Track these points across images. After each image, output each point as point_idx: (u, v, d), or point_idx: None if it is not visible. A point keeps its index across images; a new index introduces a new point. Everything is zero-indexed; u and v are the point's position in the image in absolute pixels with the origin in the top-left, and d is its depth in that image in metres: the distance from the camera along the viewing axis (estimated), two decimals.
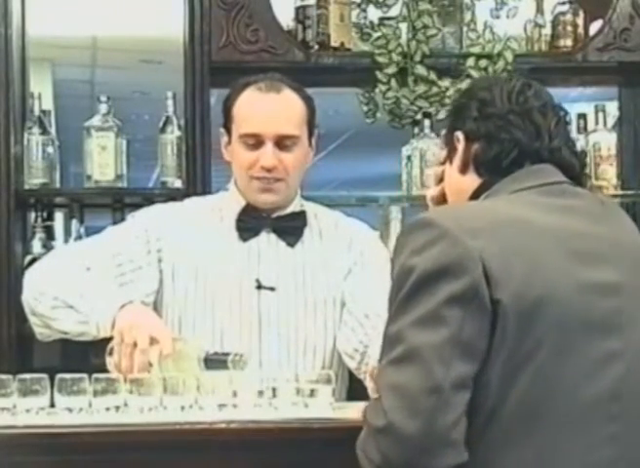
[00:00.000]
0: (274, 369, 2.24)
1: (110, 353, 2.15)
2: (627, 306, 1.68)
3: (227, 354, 2.08)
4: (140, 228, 2.38)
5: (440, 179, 1.92)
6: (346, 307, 2.35)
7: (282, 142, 2.30)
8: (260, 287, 2.34)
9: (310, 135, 2.38)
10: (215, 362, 2.04)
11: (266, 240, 2.37)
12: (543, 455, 1.59)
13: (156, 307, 2.36)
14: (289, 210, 2.39)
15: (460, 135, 1.82)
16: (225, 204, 2.42)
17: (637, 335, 1.67)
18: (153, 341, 2.08)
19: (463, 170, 1.81)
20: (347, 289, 2.37)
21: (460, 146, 1.81)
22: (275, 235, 2.38)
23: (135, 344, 2.08)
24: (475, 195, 1.79)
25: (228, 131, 2.37)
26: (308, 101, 2.37)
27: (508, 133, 1.76)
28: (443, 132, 1.88)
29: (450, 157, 1.85)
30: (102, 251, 2.35)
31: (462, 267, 1.58)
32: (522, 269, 1.59)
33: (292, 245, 2.38)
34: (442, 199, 1.91)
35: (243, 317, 2.33)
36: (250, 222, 2.37)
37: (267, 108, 2.31)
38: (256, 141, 2.30)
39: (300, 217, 2.40)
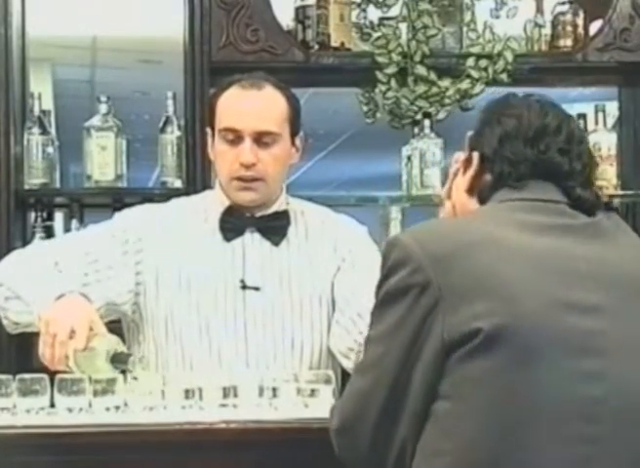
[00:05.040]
0: (261, 368, 2.24)
1: None
2: (610, 329, 1.62)
3: (130, 355, 2.07)
4: (118, 228, 2.37)
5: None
6: (338, 307, 2.35)
7: (261, 139, 2.29)
8: (244, 287, 2.33)
9: (294, 134, 2.36)
10: (119, 361, 2.02)
11: (251, 240, 2.37)
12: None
13: (139, 308, 2.35)
14: (273, 209, 2.38)
15: (476, 156, 1.78)
16: (209, 204, 2.41)
17: (621, 359, 1.62)
18: (74, 334, 2.05)
19: (470, 192, 1.80)
20: (338, 288, 2.36)
21: (474, 167, 1.78)
22: (259, 234, 2.37)
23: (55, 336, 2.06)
24: None
25: (213, 129, 2.37)
26: (292, 100, 2.35)
27: (519, 180, 1.73)
28: (469, 133, 1.85)
29: (465, 167, 1.82)
30: (75, 247, 2.34)
31: (418, 294, 1.61)
32: (483, 295, 1.58)
33: (276, 244, 2.37)
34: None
35: (228, 317, 2.32)
36: (233, 222, 2.36)
37: (247, 104, 2.31)
38: (235, 137, 2.29)
39: (284, 216, 2.39)
